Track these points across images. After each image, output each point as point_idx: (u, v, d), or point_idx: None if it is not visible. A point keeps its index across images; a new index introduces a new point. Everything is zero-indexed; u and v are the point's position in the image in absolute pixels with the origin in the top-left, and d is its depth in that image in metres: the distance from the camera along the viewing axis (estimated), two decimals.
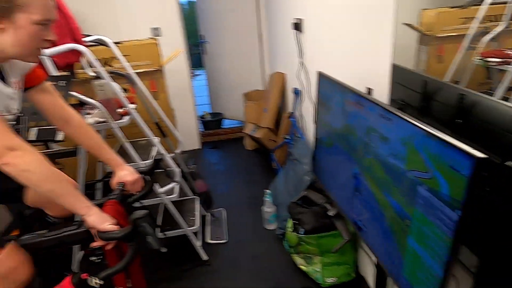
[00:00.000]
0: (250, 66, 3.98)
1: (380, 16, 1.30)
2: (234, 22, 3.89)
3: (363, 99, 1.18)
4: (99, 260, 1.36)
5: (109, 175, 1.95)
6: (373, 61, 1.43)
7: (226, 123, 4.41)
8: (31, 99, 1.20)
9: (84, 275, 1.20)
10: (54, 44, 1.57)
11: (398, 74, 1.27)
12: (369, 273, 1.78)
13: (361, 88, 1.32)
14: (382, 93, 1.32)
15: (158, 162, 1.33)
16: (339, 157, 1.44)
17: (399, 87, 1.28)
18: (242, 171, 3.24)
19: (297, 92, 2.63)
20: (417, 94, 1.15)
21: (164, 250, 1.55)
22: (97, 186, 2.13)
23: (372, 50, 1.43)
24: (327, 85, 1.54)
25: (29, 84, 1.15)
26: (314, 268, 1.86)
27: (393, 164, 1.00)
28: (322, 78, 1.59)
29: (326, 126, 1.58)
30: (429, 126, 0.85)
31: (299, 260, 1.94)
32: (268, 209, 2.29)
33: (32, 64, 1.15)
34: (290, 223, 1.97)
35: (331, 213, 1.72)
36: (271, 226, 2.33)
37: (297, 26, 2.34)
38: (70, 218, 1.32)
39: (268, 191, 2.32)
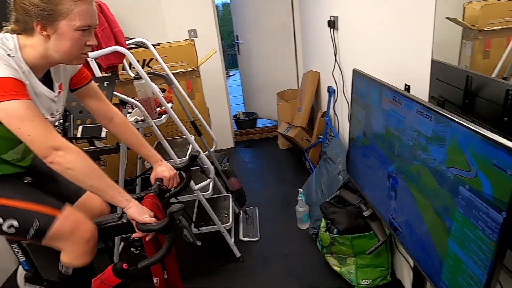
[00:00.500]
0: (283, 65, 3.98)
1: (420, 10, 1.26)
2: (268, 22, 3.90)
3: (401, 96, 1.15)
4: (138, 251, 1.43)
5: (147, 171, 2.03)
6: (411, 57, 1.38)
7: (260, 123, 4.44)
8: (78, 98, 1.28)
9: (124, 265, 1.27)
10: (96, 48, 1.67)
11: (439, 70, 1.21)
12: (406, 277, 1.72)
13: (399, 85, 1.28)
14: (421, 90, 1.27)
15: (194, 159, 1.36)
16: (375, 156, 1.41)
17: (440, 83, 1.22)
18: (275, 170, 3.24)
19: (331, 91, 2.59)
20: (459, 91, 1.09)
21: (198, 243, 1.59)
22: (136, 182, 2.22)
23: (411, 45, 1.38)
24: (363, 82, 1.50)
25: (77, 85, 1.23)
26: (347, 270, 1.83)
27: (432, 163, 0.96)
28: (358, 76, 1.56)
29: (361, 124, 1.54)
30: (473, 124, 0.81)
31: (332, 261, 1.91)
32: (301, 208, 2.28)
33: (78, 67, 1.23)
34: (323, 223, 1.95)
35: (365, 213, 1.68)
36: (304, 226, 2.32)
37: (332, 24, 2.31)
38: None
39: (301, 190, 2.31)
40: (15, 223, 1.06)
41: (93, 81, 1.28)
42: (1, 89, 0.88)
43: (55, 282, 1.30)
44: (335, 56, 2.36)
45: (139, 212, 1.05)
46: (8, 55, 0.95)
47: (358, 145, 1.61)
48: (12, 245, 1.30)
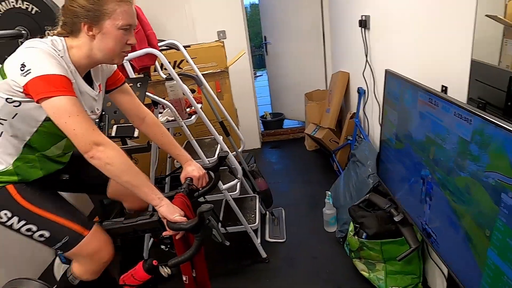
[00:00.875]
0: (312, 66, 3.94)
1: (458, 8, 1.20)
2: (296, 22, 3.88)
3: (438, 98, 1.10)
4: (167, 249, 1.46)
5: (177, 170, 2.08)
6: (449, 57, 1.32)
7: (287, 123, 4.42)
8: (112, 99, 1.33)
9: (154, 262, 1.30)
10: (134, 47, 1.73)
11: (479, 70, 1.16)
12: (439, 286, 1.66)
13: (435, 87, 1.23)
14: (459, 92, 1.22)
15: (223, 159, 1.38)
16: (408, 160, 1.36)
17: (479, 84, 1.17)
18: (302, 172, 3.22)
19: (361, 92, 2.54)
20: (501, 92, 1.04)
21: (227, 243, 1.60)
22: (166, 180, 2.28)
23: (448, 45, 1.32)
24: (396, 83, 1.46)
25: (112, 86, 1.28)
26: (376, 275, 1.78)
27: (471, 168, 0.92)
28: (391, 76, 1.52)
29: (393, 127, 1.50)
30: None
31: (360, 266, 1.87)
32: (328, 211, 2.25)
33: (114, 68, 1.28)
34: (351, 227, 1.91)
35: (396, 218, 1.63)
36: (331, 229, 2.29)
37: (364, 24, 2.26)
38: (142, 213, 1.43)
39: (328, 192, 2.27)
40: (47, 234, 1.12)
41: (126, 83, 1.33)
42: (53, 85, 0.94)
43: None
44: (366, 56, 2.31)
45: (170, 211, 1.08)
46: (58, 54, 1.02)
47: (390, 148, 1.56)
48: None
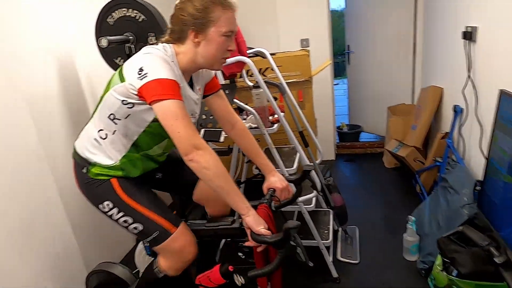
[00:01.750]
0: (398, 78, 3.70)
1: None
2: (384, 31, 3.69)
3: None
4: (244, 257, 1.47)
5: (254, 177, 2.09)
6: None
7: (363, 136, 4.22)
8: (208, 104, 1.38)
9: (231, 267, 1.32)
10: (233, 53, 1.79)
11: None
12: None
13: None
14: None
15: (307, 173, 1.34)
16: None
17: None
18: (378, 189, 3.02)
19: (458, 110, 2.29)
20: None
21: (310, 264, 1.54)
22: (241, 186, 2.31)
23: None
24: None
25: (209, 91, 1.33)
26: None
27: None
28: (506, 98, 1.33)
29: (506, 156, 1.31)
30: None
31: None
32: (410, 237, 2.06)
33: (213, 74, 1.33)
34: (439, 260, 1.72)
35: (498, 259, 1.42)
36: (412, 257, 2.09)
37: (469, 36, 2.03)
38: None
39: (412, 218, 2.09)
40: (140, 227, 1.21)
41: (221, 89, 1.37)
42: (165, 89, 1.00)
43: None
44: (468, 71, 2.08)
45: (255, 222, 1.07)
46: (171, 60, 1.09)
47: (499, 180, 1.37)
48: None
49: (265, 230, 1.07)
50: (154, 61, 1.04)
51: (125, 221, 1.21)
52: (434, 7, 2.91)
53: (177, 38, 1.14)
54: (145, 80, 1.00)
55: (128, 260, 2.35)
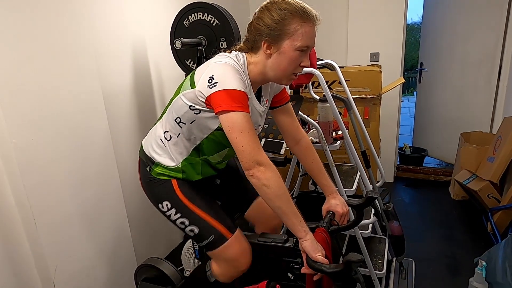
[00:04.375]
0: (476, 103, 3.37)
1: None
2: (465, 49, 3.39)
3: None
4: (293, 278, 1.40)
5: (310, 193, 2.01)
6: None
7: (427, 161, 3.91)
8: (274, 116, 1.34)
9: (278, 286, 1.26)
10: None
11: None
12: None
13: None
14: None
15: (371, 200, 1.23)
16: None
17: None
18: (441, 222, 2.76)
19: None
20: None
21: None
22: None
23: None
24: None
25: (277, 103, 1.29)
26: None
27: None
28: None
29: None
30: None
31: None
32: (478, 284, 1.83)
33: (282, 86, 1.28)
34: None
35: None
36: None
37: None
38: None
39: (483, 262, 1.86)
40: (196, 230, 1.21)
41: (289, 102, 1.32)
42: (233, 100, 0.98)
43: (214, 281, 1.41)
44: None
45: (313, 248, 1.01)
46: (242, 69, 1.07)
47: None
48: None
49: (322, 258, 1.00)
50: (225, 70, 1.01)
51: (182, 223, 1.21)
52: None
53: (251, 47, 1.11)
54: (214, 89, 0.99)
55: (175, 255, 2.40)
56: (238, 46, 1.16)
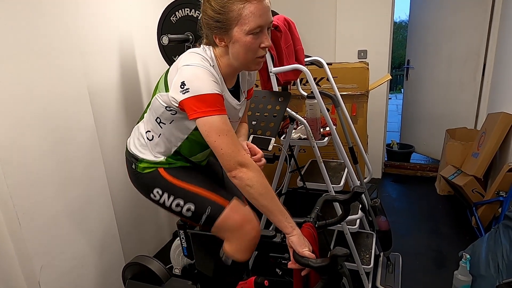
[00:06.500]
0: (461, 99, 3.44)
1: None
2: (451, 47, 3.45)
3: None
4: (281, 273, 1.41)
5: (298, 189, 2.02)
6: None
7: (414, 157, 3.97)
8: None
9: (266, 282, 1.26)
10: (283, 61, 1.74)
11: None
12: None
13: None
14: None
15: (358, 195, 1.25)
16: None
17: None
18: (427, 217, 2.81)
19: None
20: None
21: None
22: (280, 199, 2.25)
23: None
24: None
25: (247, 97, 1.31)
26: None
27: None
28: None
29: None
30: None
31: None
32: (462, 277, 1.87)
33: (253, 84, 1.30)
34: None
35: None
36: None
37: None
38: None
39: (467, 256, 1.90)
40: (193, 207, 1.18)
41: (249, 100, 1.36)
42: (207, 105, 0.97)
43: (204, 277, 1.40)
44: None
45: (300, 243, 1.01)
46: (210, 65, 1.04)
47: None
48: (180, 231, 1.47)
49: (309, 253, 1.00)
50: (195, 74, 0.98)
51: (177, 205, 1.19)
52: None
53: (210, 42, 1.07)
54: (186, 95, 0.97)
55: (163, 254, 2.39)
56: (204, 41, 1.12)
